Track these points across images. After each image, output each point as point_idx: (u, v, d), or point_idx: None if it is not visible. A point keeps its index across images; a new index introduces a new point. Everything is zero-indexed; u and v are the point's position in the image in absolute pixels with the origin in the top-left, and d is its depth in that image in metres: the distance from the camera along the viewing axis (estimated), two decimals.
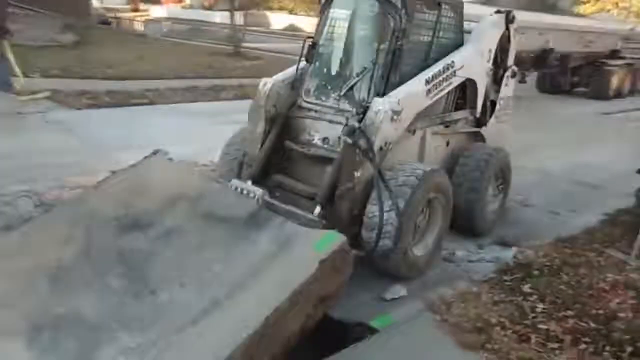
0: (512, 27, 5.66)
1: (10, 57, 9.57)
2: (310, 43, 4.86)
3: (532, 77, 14.17)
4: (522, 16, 10.72)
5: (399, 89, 4.33)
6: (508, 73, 5.81)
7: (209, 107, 10.33)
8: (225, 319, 2.87)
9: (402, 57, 4.43)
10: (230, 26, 20.31)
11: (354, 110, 4.36)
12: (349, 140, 4.06)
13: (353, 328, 3.71)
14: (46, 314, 2.99)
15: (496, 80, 5.73)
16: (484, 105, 5.51)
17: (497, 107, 5.77)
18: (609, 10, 28.80)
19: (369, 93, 4.42)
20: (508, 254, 4.75)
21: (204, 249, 3.34)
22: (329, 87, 4.66)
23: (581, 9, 26.76)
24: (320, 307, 3.25)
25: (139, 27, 26.56)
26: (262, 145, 4.62)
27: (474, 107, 5.42)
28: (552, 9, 19.76)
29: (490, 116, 5.71)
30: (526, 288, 4.05)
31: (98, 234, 3.49)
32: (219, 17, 25.75)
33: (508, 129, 6.08)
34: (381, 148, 4.14)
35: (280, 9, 37.14)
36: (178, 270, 3.20)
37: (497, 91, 5.76)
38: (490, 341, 3.34)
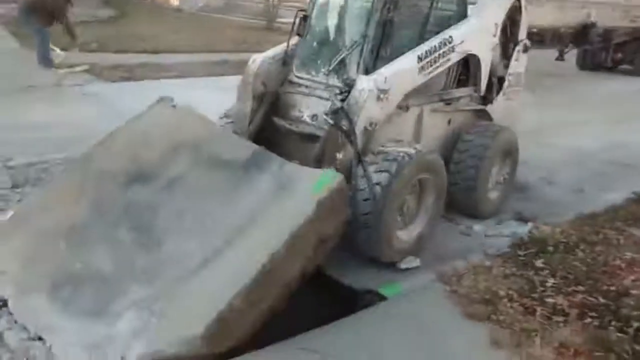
0: None
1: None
2: (302, 16, 4.69)
3: (571, 54, 13.65)
4: None
5: (387, 65, 4.12)
6: (519, 47, 5.48)
7: (238, 81, 10.48)
8: (225, 268, 2.97)
9: (393, 30, 4.20)
10: (265, 1, 20.29)
11: (340, 87, 4.16)
12: (331, 121, 3.93)
13: (362, 295, 3.81)
14: (64, 270, 3.19)
15: (506, 55, 5.43)
16: (489, 81, 5.20)
17: (506, 83, 5.43)
18: None
19: (357, 68, 4.23)
20: (525, 230, 4.74)
21: (206, 196, 3.42)
22: (319, 62, 4.52)
23: None
24: (320, 250, 3.29)
25: (175, 1, 26.74)
26: (250, 123, 4.53)
27: (477, 84, 5.11)
28: None
29: (498, 93, 5.38)
30: (539, 263, 4.05)
31: (106, 189, 3.62)
32: None
33: (518, 107, 5.78)
34: (366, 128, 3.99)
35: None
36: (182, 219, 3.31)
37: (506, 67, 5.44)
38: (496, 312, 3.39)
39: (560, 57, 13.22)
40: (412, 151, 4.03)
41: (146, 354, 2.70)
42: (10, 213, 3.77)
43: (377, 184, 3.84)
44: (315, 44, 4.65)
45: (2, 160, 5.39)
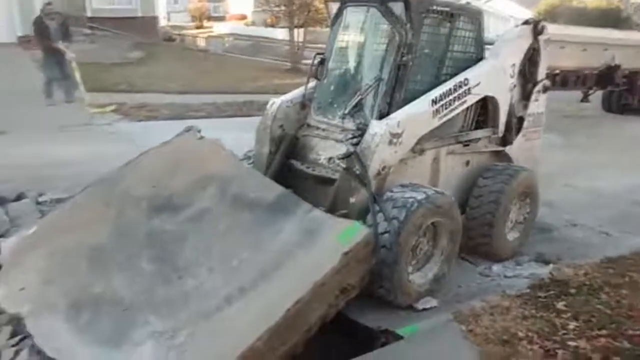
0: (541, 38, 5.25)
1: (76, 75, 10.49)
2: (320, 59, 4.76)
3: (596, 95, 13.57)
4: (583, 32, 10.49)
5: (401, 109, 4.12)
6: (538, 88, 5.44)
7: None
8: (248, 309, 2.98)
9: (407, 74, 4.21)
10: (289, 43, 20.84)
11: (354, 131, 4.17)
12: (343, 165, 3.95)
13: (379, 334, 3.76)
14: (84, 292, 3.19)
15: (524, 96, 5.40)
16: (508, 122, 5.15)
17: (525, 124, 5.39)
18: None
19: (372, 112, 4.24)
20: (546, 271, 4.65)
21: (231, 234, 3.44)
22: (336, 105, 4.55)
23: None
24: (342, 297, 3.30)
25: (201, 43, 27.69)
26: (268, 166, 4.56)
27: (496, 125, 5.06)
28: (626, 23, 18.96)
29: (517, 134, 5.32)
30: (560, 305, 3.96)
31: (130, 213, 3.65)
32: (280, 34, 26.43)
33: (537, 148, 5.72)
34: (379, 172, 3.97)
35: None
36: (206, 255, 3.33)
37: (525, 107, 5.41)
38: (515, 354, 3.31)
39: (585, 99, 13.11)
40: (421, 196, 3.94)
41: None
42: (32, 228, 3.77)
43: (386, 232, 3.77)
44: (332, 87, 4.70)
45: (34, 196, 5.55)
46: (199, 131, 4.25)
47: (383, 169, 4.00)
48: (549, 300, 4.03)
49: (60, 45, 10.33)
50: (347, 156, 3.97)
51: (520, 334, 3.52)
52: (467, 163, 4.98)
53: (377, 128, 3.96)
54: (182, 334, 2.90)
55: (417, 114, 4.21)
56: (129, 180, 3.92)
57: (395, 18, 4.21)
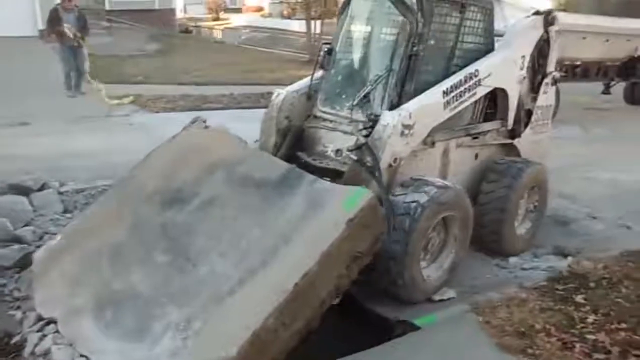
0: (552, 29, 5.17)
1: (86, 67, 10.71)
2: (327, 49, 4.68)
3: (618, 87, 13.32)
4: (605, 22, 10.27)
5: (412, 100, 4.07)
6: (547, 80, 5.35)
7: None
8: (258, 288, 3.01)
9: (418, 64, 4.15)
10: (306, 34, 20.77)
11: (364, 122, 4.10)
12: (354, 157, 3.89)
13: (396, 325, 3.79)
14: (107, 291, 3.31)
15: (533, 88, 5.32)
16: (517, 115, 5.08)
17: (534, 117, 5.32)
18: None
19: (382, 103, 4.19)
20: (564, 264, 4.61)
21: (240, 216, 3.47)
22: (344, 96, 4.47)
23: None
24: (354, 266, 3.27)
25: (218, 35, 27.75)
26: None
27: (504, 117, 4.99)
28: None
29: (526, 127, 5.27)
30: (579, 298, 3.93)
31: (144, 210, 3.74)
32: (297, 25, 26.34)
33: (547, 141, 5.64)
34: (390, 165, 3.94)
35: None
36: (216, 240, 3.37)
37: (534, 100, 5.34)
38: (532, 346, 3.30)
39: (606, 91, 12.91)
40: (424, 199, 3.83)
41: None
42: (58, 238, 3.93)
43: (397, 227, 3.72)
44: (339, 77, 4.63)
45: (56, 187, 5.65)
46: (204, 122, 4.26)
47: (394, 160, 3.96)
48: (567, 293, 4.00)
49: (72, 34, 10.39)
50: (358, 147, 3.90)
51: (538, 326, 3.51)
52: (476, 156, 4.93)
53: (389, 119, 3.91)
54: (197, 322, 2.95)
55: (429, 105, 4.16)
56: (141, 178, 4.01)
57: (406, 7, 4.16)
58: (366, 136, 3.95)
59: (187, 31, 26.75)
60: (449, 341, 3.46)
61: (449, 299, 4.15)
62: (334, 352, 3.38)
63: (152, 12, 20.98)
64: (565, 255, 4.84)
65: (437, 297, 4.14)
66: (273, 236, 3.27)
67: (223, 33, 27.84)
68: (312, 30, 20.37)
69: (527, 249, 5.03)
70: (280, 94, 4.68)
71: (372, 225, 3.32)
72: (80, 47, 10.61)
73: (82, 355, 3.03)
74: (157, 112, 10.11)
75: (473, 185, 4.79)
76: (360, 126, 4.10)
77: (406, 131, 3.94)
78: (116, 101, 10.41)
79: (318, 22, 20.32)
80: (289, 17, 30.39)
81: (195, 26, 29.80)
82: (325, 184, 3.54)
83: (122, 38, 18.40)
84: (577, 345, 3.33)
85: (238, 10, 39.78)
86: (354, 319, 4.01)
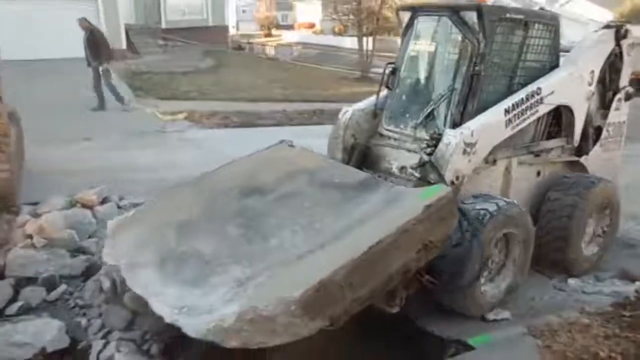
0: (624, 43, 5.00)
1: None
2: (391, 69, 4.77)
3: None
4: None
5: (474, 119, 4.11)
6: (620, 95, 5.17)
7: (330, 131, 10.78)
8: (329, 254, 3.05)
9: (480, 83, 4.19)
10: (359, 51, 20.78)
11: (428, 141, 4.16)
12: (417, 175, 3.98)
13: (450, 344, 3.71)
14: (172, 251, 3.45)
15: (604, 104, 5.14)
16: (585, 132, 4.94)
17: (604, 134, 5.16)
18: None
19: (445, 122, 4.27)
20: (631, 289, 4.39)
21: (316, 207, 3.58)
22: (408, 115, 4.59)
23: None
24: (424, 254, 3.30)
25: (270, 51, 28.25)
26: None
27: (570, 135, 4.86)
28: None
29: (594, 144, 5.11)
30: None
31: (221, 199, 3.90)
32: (349, 42, 26.50)
33: (617, 158, 5.40)
34: (453, 182, 3.95)
35: None
36: (290, 222, 3.47)
37: (604, 117, 5.14)
38: None
39: None
40: (493, 208, 3.91)
41: (242, 311, 2.75)
42: (131, 212, 4.20)
43: (458, 244, 3.72)
44: (404, 96, 4.74)
45: (115, 200, 5.89)
46: (291, 142, 4.49)
47: (457, 178, 3.99)
48: (635, 320, 3.82)
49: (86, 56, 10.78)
50: (421, 165, 3.99)
51: (602, 354, 3.36)
52: (538, 173, 4.85)
53: (452, 137, 3.97)
54: (260, 278, 2.99)
55: (491, 124, 4.19)
56: (222, 176, 4.21)
57: (467, 27, 4.21)
58: (429, 154, 4.03)
59: (239, 48, 27.44)
60: None
61: (503, 319, 4.03)
62: None
63: (206, 30, 21.69)
64: (632, 280, 4.59)
65: (491, 317, 4.04)
66: (348, 220, 3.35)
67: (275, 49, 28.32)
68: (364, 47, 20.37)
69: (592, 271, 4.83)
70: (347, 111, 4.84)
71: (447, 218, 3.38)
72: (95, 67, 10.83)
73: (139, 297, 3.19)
74: (210, 128, 10.38)
75: (535, 204, 4.72)
76: (424, 144, 4.16)
77: (468, 149, 3.99)
78: (170, 117, 10.74)
79: (370, 39, 20.31)
80: (340, 34, 30.67)
81: (248, 43, 30.50)
82: (403, 187, 3.68)
83: (177, 55, 19.11)
84: None
85: (290, 27, 40.46)
86: (408, 338, 3.96)
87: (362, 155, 4.72)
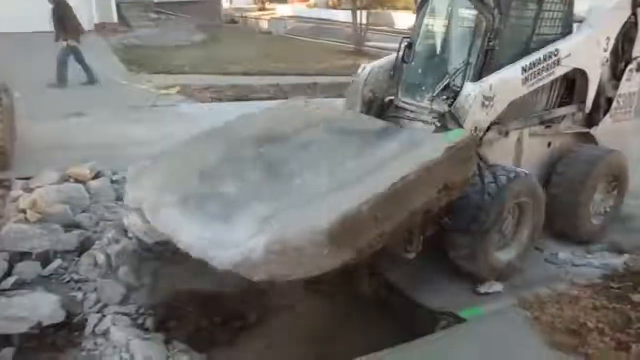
0: None
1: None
2: (407, 42, 4.84)
3: None
4: None
5: (493, 74, 4.20)
6: (632, 66, 5.15)
7: (327, 103, 10.72)
8: (354, 191, 3.08)
9: (494, 58, 4.28)
10: (352, 25, 20.55)
11: (445, 95, 4.32)
12: (438, 124, 4.08)
13: (441, 316, 3.77)
14: (194, 192, 3.43)
15: (615, 75, 5.14)
16: (596, 101, 4.97)
17: (614, 104, 5.16)
18: None
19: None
20: (620, 261, 4.44)
21: (338, 151, 3.63)
22: (424, 87, 4.66)
23: None
24: (444, 195, 3.38)
25: (263, 25, 27.86)
26: None
27: (583, 101, 4.91)
28: None
29: (604, 115, 5.13)
30: (636, 297, 3.78)
31: (239, 145, 3.90)
32: (343, 15, 26.10)
33: (628, 130, 5.42)
34: (471, 133, 4.01)
35: (405, 8, 36.71)
36: (312, 165, 3.49)
37: (616, 87, 5.15)
38: (584, 345, 3.22)
39: None
40: (513, 174, 4.06)
41: (269, 242, 2.76)
42: (150, 160, 4.14)
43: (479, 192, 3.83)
44: (419, 70, 4.81)
45: (109, 175, 5.86)
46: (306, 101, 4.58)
47: (475, 129, 4.11)
48: (623, 292, 3.87)
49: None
50: (441, 115, 4.12)
51: (590, 325, 3.41)
52: (549, 144, 4.94)
53: (471, 89, 4.10)
54: (286, 212, 2.98)
55: (508, 80, 4.29)
56: (239, 127, 4.21)
57: (482, 3, 4.27)
58: (449, 106, 4.17)
59: (233, 21, 27.00)
60: (495, 335, 3.42)
61: (494, 292, 4.09)
62: (377, 343, 3.38)
63: (199, 4, 21.32)
64: (622, 253, 4.65)
65: (482, 290, 4.10)
66: (371, 161, 3.39)
67: (269, 23, 27.89)
68: (358, 21, 20.12)
69: (599, 240, 4.92)
70: (365, 67, 4.96)
71: (467, 161, 3.48)
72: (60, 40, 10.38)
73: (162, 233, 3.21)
74: (203, 102, 10.27)
75: (545, 175, 4.82)
76: (444, 96, 4.31)
77: (486, 102, 4.12)
78: (163, 91, 10.62)
79: (364, 12, 20.03)
80: (334, 7, 30.19)
81: (241, 16, 29.97)
82: (424, 132, 3.80)
83: (169, 29, 18.80)
84: (633, 346, 3.22)
85: (284, 1, 39.82)
86: (399, 310, 4.01)
87: (380, 110, 4.84)
